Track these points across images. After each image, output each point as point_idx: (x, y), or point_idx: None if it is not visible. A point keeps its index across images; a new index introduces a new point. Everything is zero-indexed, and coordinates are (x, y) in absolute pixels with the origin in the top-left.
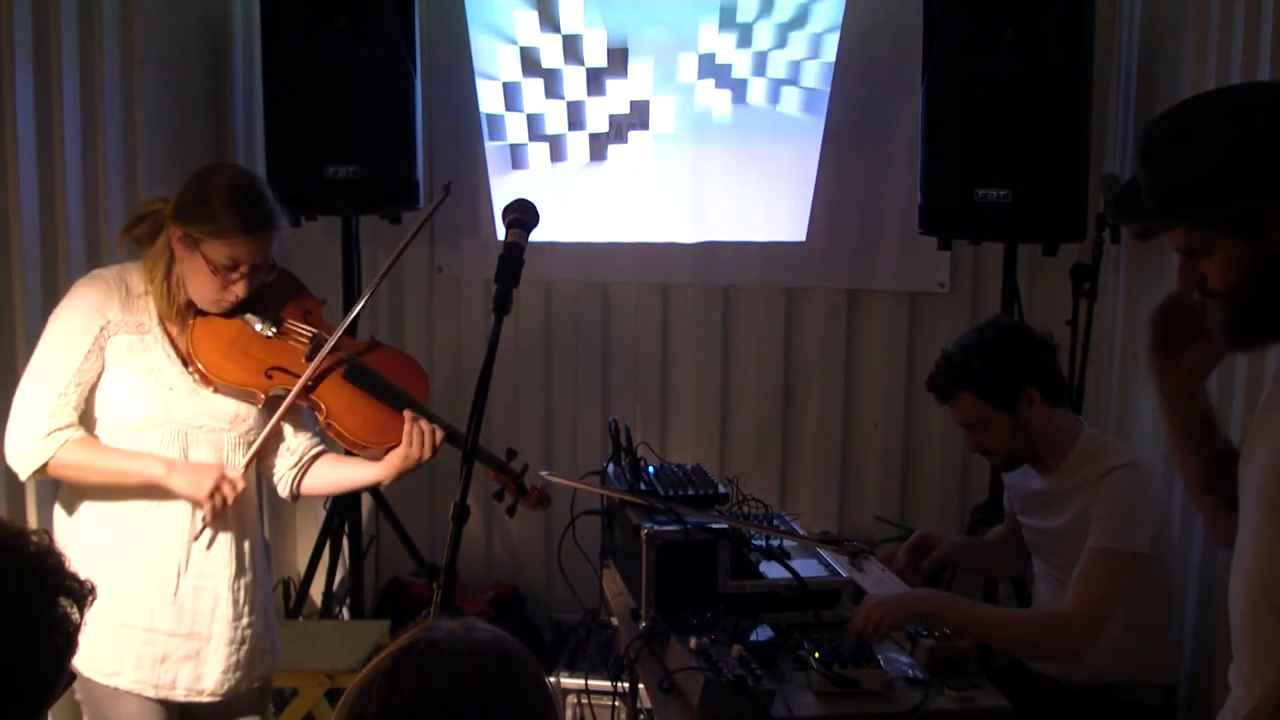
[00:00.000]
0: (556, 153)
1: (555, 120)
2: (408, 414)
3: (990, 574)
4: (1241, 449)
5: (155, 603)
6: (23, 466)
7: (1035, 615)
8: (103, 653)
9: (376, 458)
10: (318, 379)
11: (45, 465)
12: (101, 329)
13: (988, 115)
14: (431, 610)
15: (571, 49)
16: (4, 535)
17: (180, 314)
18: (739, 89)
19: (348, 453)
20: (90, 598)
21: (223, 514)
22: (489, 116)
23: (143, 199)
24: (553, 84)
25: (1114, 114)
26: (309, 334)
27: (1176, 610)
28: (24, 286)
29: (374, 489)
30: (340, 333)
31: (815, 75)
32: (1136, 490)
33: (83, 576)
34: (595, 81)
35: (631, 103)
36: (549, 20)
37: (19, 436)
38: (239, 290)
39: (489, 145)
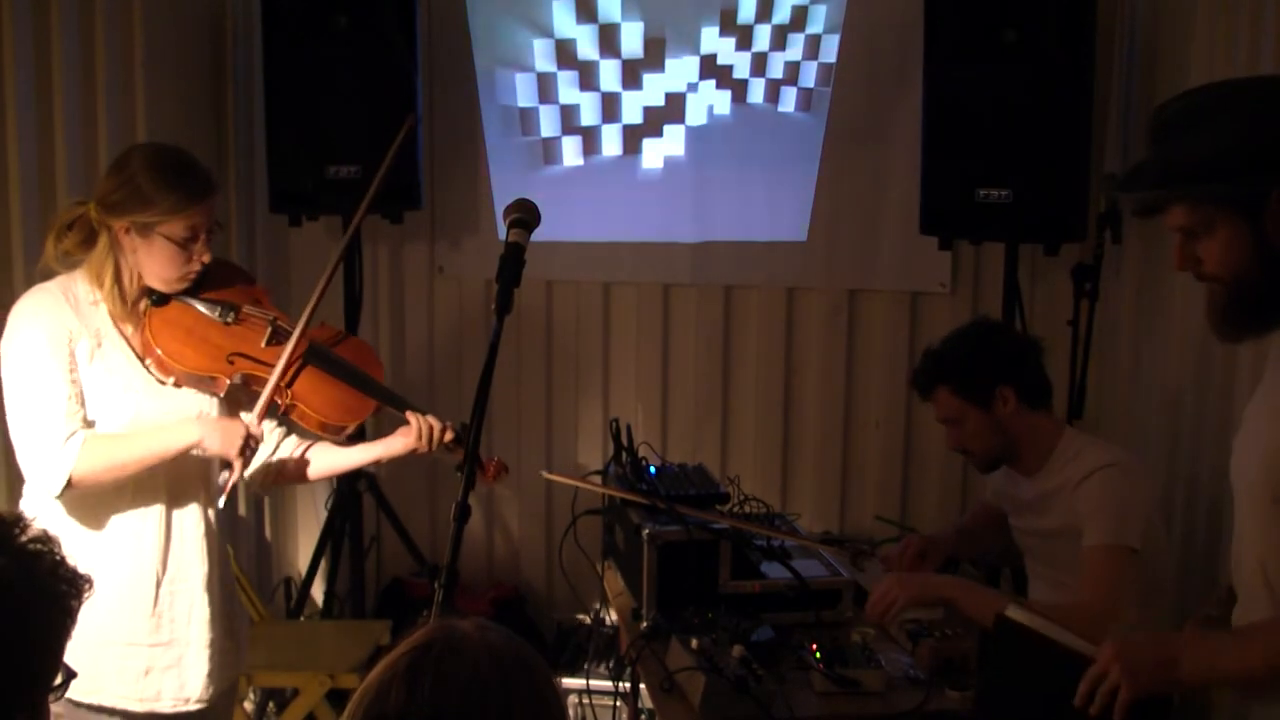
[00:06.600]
0: (591, 146)
1: (589, 113)
2: (412, 415)
3: (993, 560)
4: (1234, 442)
5: (134, 616)
6: (51, 483)
7: (1054, 604)
8: (83, 673)
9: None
10: (286, 367)
11: (71, 477)
12: (69, 336)
13: (988, 115)
14: (432, 610)
15: (608, 40)
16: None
17: (133, 311)
18: (739, 88)
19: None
20: (88, 586)
21: (203, 499)
22: (522, 110)
23: (62, 207)
24: (588, 76)
25: (1115, 114)
26: (265, 319)
27: (1173, 607)
28: (25, 286)
29: (375, 488)
30: (305, 322)
31: (815, 75)
32: (1120, 489)
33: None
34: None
35: (667, 95)
36: (585, 11)
37: (37, 455)
38: (205, 256)
39: (522, 140)
